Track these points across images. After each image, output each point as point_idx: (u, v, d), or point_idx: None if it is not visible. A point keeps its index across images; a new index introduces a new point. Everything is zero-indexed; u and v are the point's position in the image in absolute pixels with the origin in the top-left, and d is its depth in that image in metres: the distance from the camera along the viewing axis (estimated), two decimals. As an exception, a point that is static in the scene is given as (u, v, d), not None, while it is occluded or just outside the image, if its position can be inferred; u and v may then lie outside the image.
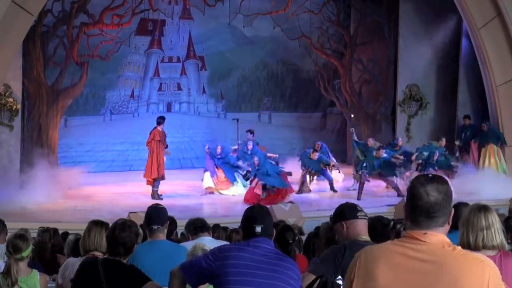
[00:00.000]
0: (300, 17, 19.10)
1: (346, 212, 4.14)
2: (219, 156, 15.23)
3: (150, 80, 19.02)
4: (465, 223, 3.72)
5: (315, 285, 3.75)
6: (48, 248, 7.50)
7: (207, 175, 15.23)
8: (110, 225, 4.31)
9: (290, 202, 13.59)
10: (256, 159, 14.59)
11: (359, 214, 4.11)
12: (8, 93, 15.33)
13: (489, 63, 16.35)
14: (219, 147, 15.32)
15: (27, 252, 5.11)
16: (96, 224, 4.83)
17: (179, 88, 19.40)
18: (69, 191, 14.59)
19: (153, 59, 18.95)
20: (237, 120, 16.96)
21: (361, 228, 4.09)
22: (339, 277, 3.70)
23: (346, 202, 4.31)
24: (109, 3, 17.21)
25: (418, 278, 2.43)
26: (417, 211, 2.50)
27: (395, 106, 18.72)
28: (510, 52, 16.22)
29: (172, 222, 6.63)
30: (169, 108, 19.33)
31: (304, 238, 7.52)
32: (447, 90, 18.76)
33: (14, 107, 15.45)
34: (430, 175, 2.58)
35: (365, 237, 4.09)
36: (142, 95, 19.05)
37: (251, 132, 16.03)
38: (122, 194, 15.25)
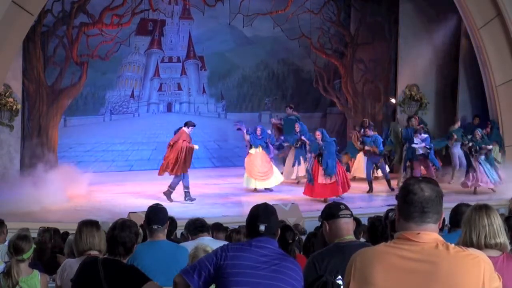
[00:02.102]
0: (300, 17, 19.09)
1: (327, 211, 4.09)
2: (259, 137, 15.29)
3: (150, 80, 19.00)
4: (467, 222, 3.73)
5: (315, 285, 3.74)
6: (48, 248, 7.50)
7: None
8: (105, 224, 4.30)
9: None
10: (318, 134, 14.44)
11: (341, 213, 4.01)
12: (8, 93, 15.34)
13: (489, 63, 16.35)
14: (258, 128, 15.41)
15: (28, 253, 5.10)
16: (86, 224, 4.80)
17: (179, 88, 19.39)
18: (69, 191, 14.56)
19: (153, 59, 18.93)
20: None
21: (344, 228, 4.01)
22: (339, 277, 3.69)
23: (332, 201, 4.27)
24: (109, 3, 17.20)
25: (414, 278, 2.44)
26: (411, 206, 2.53)
27: (395, 106, 18.74)
28: (510, 52, 16.22)
29: (172, 222, 6.62)
30: (169, 108, 19.32)
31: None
32: (447, 90, 18.76)
33: (14, 107, 15.46)
34: (421, 177, 2.64)
35: (349, 236, 4.02)
36: (142, 95, 19.04)
37: (291, 107, 16.81)
38: (122, 194, 15.23)
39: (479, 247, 3.58)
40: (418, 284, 2.43)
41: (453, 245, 2.52)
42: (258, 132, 15.30)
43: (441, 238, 2.52)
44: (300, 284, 3.51)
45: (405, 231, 2.53)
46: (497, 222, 3.70)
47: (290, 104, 17.41)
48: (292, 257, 3.89)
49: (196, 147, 14.14)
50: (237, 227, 8.03)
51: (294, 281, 3.46)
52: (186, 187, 14.21)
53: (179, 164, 14.02)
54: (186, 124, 14.26)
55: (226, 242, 5.80)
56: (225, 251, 3.53)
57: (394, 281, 2.46)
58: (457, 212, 5.05)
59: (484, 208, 3.74)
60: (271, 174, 15.33)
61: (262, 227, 3.53)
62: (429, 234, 2.50)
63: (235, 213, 12.71)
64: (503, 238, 3.68)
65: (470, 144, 15.27)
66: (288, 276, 3.44)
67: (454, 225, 5.20)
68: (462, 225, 3.79)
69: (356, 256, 2.60)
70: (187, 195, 14.20)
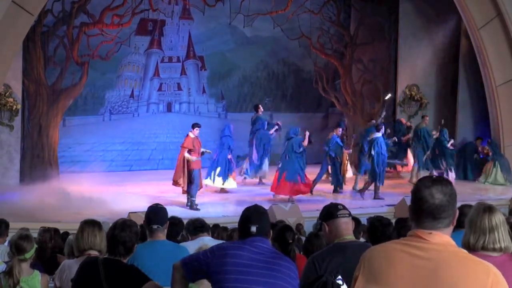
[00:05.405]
0: (300, 17, 19.11)
1: (325, 212, 4.10)
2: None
3: (150, 80, 19.01)
4: (468, 223, 3.67)
5: (315, 285, 3.75)
6: (49, 248, 7.51)
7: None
8: (105, 224, 4.28)
9: (291, 202, 13.65)
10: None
11: (339, 213, 4.03)
12: (8, 93, 15.35)
13: (489, 63, 16.36)
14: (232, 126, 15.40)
15: (30, 253, 5.10)
16: (88, 223, 4.81)
17: (179, 88, 19.40)
18: (68, 191, 14.56)
19: (153, 59, 18.94)
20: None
21: (343, 227, 4.02)
22: (339, 277, 3.69)
23: (330, 203, 4.28)
24: (109, 3, 17.19)
25: (420, 276, 2.44)
26: (422, 214, 2.51)
27: (395, 106, 18.74)
28: (510, 52, 16.24)
29: (179, 223, 6.55)
30: (169, 108, 19.32)
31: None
32: (447, 90, 18.77)
33: (14, 107, 15.47)
34: (434, 177, 2.59)
35: (349, 236, 4.03)
36: (142, 95, 19.04)
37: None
38: (122, 194, 15.20)
39: (475, 249, 3.52)
40: (423, 282, 2.43)
41: (464, 250, 2.52)
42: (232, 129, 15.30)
43: (452, 242, 2.51)
44: (296, 282, 3.54)
45: (418, 229, 2.52)
46: (500, 227, 3.57)
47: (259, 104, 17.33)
48: (286, 256, 3.91)
49: (192, 159, 13.51)
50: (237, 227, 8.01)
51: (290, 279, 3.49)
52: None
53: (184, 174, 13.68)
54: (192, 126, 13.89)
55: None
56: (220, 249, 3.59)
57: (401, 277, 2.46)
58: (460, 213, 4.97)
59: (487, 210, 3.64)
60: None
61: (253, 228, 3.57)
62: (441, 236, 2.50)
63: (235, 213, 12.70)
64: (504, 243, 3.55)
65: (452, 141, 15.77)
66: (284, 274, 3.48)
67: (457, 225, 5.13)
68: (465, 225, 3.73)
69: (366, 253, 2.61)
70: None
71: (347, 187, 15.77)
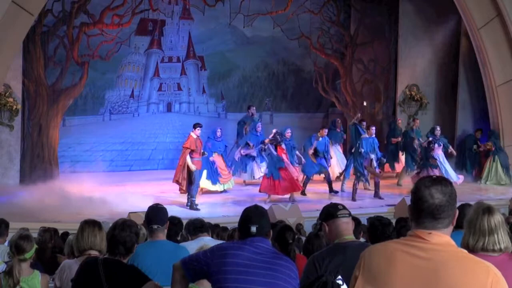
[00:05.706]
0: (300, 17, 19.12)
1: (325, 212, 4.11)
2: (219, 140, 15.14)
3: (150, 80, 19.02)
4: (467, 224, 3.65)
5: (315, 285, 3.75)
6: (49, 248, 7.51)
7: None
8: (105, 224, 4.28)
9: (292, 201, 13.64)
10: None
11: (339, 213, 4.03)
12: (8, 93, 15.35)
13: (489, 63, 16.37)
14: (219, 130, 15.28)
15: (30, 253, 5.10)
16: (88, 223, 4.81)
17: (179, 88, 19.40)
18: (68, 191, 14.57)
19: (153, 59, 18.94)
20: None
21: (343, 227, 4.02)
22: (339, 277, 3.69)
23: (330, 203, 4.28)
24: (109, 3, 17.21)
25: (421, 276, 2.43)
26: (422, 214, 2.51)
27: (395, 106, 18.75)
28: (510, 52, 16.24)
29: (178, 223, 6.57)
30: (169, 108, 19.32)
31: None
32: (447, 90, 18.78)
33: (14, 107, 15.47)
34: (434, 177, 2.59)
35: (349, 236, 4.03)
36: (142, 95, 19.04)
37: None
38: (122, 194, 15.20)
39: (474, 250, 3.50)
40: (423, 282, 2.43)
41: (464, 250, 2.52)
42: (219, 134, 15.21)
43: (452, 242, 2.51)
44: (296, 282, 3.55)
45: (418, 229, 2.52)
46: (499, 229, 3.54)
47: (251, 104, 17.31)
48: (287, 256, 3.92)
49: (192, 167, 13.58)
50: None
51: (289, 279, 3.50)
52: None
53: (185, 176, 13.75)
54: (193, 126, 13.90)
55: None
56: (220, 249, 3.60)
57: (400, 277, 2.46)
58: (460, 213, 4.95)
59: (486, 212, 3.61)
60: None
61: (253, 228, 3.58)
62: (441, 236, 2.50)
63: (235, 213, 12.69)
64: (504, 244, 3.54)
65: (430, 138, 15.27)
66: (283, 273, 3.48)
67: (457, 225, 5.11)
68: (464, 226, 3.71)
69: (365, 252, 2.61)
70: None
71: (347, 188, 15.74)
